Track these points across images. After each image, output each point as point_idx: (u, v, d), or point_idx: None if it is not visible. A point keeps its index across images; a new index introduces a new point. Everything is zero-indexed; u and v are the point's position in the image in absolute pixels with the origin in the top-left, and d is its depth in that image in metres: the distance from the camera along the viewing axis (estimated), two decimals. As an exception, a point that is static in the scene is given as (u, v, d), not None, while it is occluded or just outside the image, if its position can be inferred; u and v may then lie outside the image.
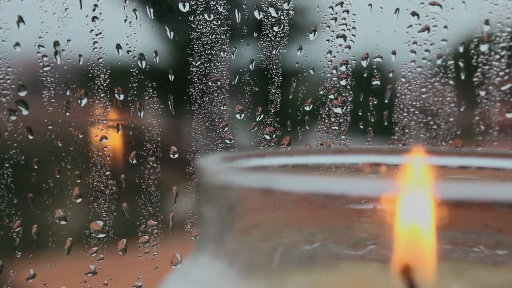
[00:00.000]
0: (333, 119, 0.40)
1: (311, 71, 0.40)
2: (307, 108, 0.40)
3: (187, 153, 0.40)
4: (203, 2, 0.39)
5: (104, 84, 0.38)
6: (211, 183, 0.19)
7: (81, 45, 0.37)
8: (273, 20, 0.39)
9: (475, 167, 0.24)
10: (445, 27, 0.38)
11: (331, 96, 0.40)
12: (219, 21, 0.39)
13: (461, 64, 0.38)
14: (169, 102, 0.39)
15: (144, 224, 0.40)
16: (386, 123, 0.40)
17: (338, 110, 0.40)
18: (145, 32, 0.39)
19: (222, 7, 0.39)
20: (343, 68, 0.39)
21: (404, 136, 0.40)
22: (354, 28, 0.39)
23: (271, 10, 0.39)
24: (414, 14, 0.38)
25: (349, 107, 0.40)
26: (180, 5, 0.38)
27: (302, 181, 0.17)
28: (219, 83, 0.40)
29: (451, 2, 0.37)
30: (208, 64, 0.39)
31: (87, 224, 0.39)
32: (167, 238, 0.40)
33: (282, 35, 0.39)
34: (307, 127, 0.40)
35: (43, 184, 0.37)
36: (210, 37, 0.39)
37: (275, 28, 0.39)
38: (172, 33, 0.39)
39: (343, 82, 0.40)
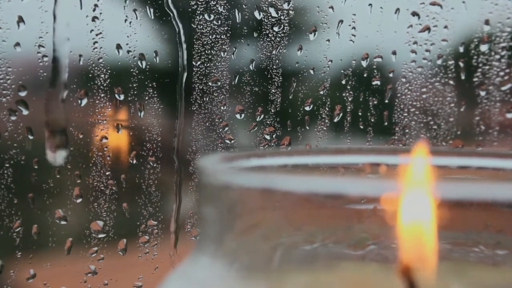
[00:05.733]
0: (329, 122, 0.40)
1: (311, 71, 0.40)
2: (307, 108, 0.40)
3: (187, 153, 0.40)
4: (203, 2, 0.39)
5: (104, 84, 0.38)
6: (211, 183, 0.19)
7: (81, 45, 0.37)
8: (273, 20, 0.39)
9: (475, 167, 0.24)
10: (446, 27, 0.38)
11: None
12: (219, 21, 0.39)
13: (461, 64, 0.38)
14: (169, 102, 0.39)
15: (144, 224, 0.40)
16: (386, 123, 0.40)
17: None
18: (145, 32, 0.39)
19: (222, 7, 0.39)
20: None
21: (404, 136, 0.40)
22: (354, 28, 0.39)
23: (271, 10, 0.39)
24: (414, 14, 0.38)
25: (349, 107, 0.40)
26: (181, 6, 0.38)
27: (302, 181, 0.17)
28: (219, 83, 0.40)
29: (451, 2, 0.37)
30: (208, 64, 0.39)
31: (87, 224, 0.39)
32: (167, 238, 0.40)
33: (282, 35, 0.39)
34: (307, 127, 0.40)
35: (43, 184, 0.37)
36: (210, 37, 0.39)
37: (275, 28, 0.39)
38: (171, 33, 0.39)
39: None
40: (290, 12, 0.39)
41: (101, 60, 0.38)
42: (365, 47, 0.39)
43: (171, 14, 0.38)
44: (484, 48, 0.38)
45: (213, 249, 0.19)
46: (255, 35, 0.39)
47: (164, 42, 0.39)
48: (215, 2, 0.39)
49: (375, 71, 0.40)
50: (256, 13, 0.39)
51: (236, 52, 0.40)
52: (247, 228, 0.19)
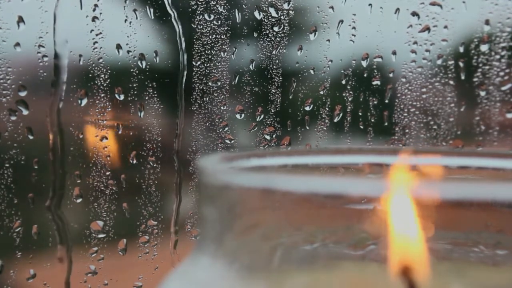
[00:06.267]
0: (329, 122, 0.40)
1: (311, 71, 0.40)
2: (307, 108, 0.40)
3: (187, 153, 0.40)
4: (203, 2, 0.39)
5: (104, 84, 0.38)
6: (211, 183, 0.19)
7: (81, 45, 0.37)
8: (273, 20, 0.39)
9: (475, 167, 0.24)
10: (445, 27, 0.38)
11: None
12: (219, 21, 0.39)
13: (461, 64, 0.38)
14: (169, 102, 0.39)
15: (144, 224, 0.40)
16: (386, 123, 0.40)
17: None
18: (145, 32, 0.39)
19: (222, 7, 0.39)
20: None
21: (404, 136, 0.40)
22: (354, 28, 0.39)
23: (271, 10, 0.39)
24: (414, 14, 0.38)
25: (349, 107, 0.40)
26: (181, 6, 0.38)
27: (302, 181, 0.17)
28: (219, 83, 0.40)
29: (451, 2, 0.37)
30: (208, 64, 0.39)
31: (87, 224, 0.39)
32: (167, 238, 0.40)
33: (282, 35, 0.39)
34: (307, 127, 0.40)
35: (43, 184, 0.37)
36: (210, 37, 0.39)
37: (275, 28, 0.39)
38: (171, 33, 0.39)
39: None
40: (290, 12, 0.39)
41: (101, 60, 0.38)
42: (365, 47, 0.39)
43: (171, 14, 0.38)
44: (484, 48, 0.38)
45: (213, 249, 0.19)
46: (255, 35, 0.39)
47: (164, 42, 0.39)
48: (215, 2, 0.39)
49: (375, 71, 0.40)
50: (256, 13, 0.39)
51: (236, 52, 0.40)
52: (247, 228, 0.19)
